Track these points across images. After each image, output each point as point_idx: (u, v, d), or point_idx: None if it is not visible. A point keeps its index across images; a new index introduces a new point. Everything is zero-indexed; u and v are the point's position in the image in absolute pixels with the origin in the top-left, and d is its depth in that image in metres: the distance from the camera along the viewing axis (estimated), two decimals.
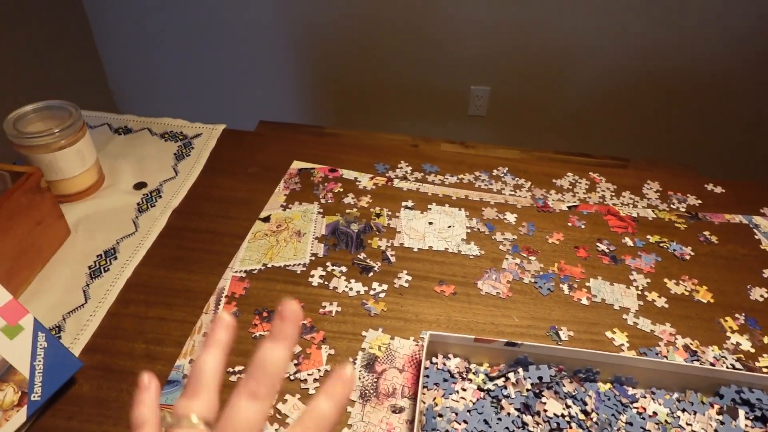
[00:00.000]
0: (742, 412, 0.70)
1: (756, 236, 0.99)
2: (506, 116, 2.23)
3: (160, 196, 1.03)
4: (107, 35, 2.23)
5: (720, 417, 0.70)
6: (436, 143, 1.31)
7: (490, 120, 2.25)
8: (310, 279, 0.88)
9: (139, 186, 1.05)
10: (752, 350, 0.80)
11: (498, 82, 2.14)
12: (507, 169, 1.12)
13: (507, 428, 0.68)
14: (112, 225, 0.97)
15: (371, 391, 0.73)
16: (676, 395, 0.73)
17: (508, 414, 0.69)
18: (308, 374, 0.75)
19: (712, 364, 0.78)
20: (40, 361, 0.69)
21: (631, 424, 0.69)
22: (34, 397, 0.68)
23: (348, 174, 1.08)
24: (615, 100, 2.12)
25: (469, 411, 0.70)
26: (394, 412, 0.71)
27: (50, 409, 0.71)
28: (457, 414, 0.69)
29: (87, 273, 0.89)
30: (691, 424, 0.70)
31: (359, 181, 1.07)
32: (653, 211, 1.03)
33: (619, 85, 2.08)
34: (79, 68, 2.21)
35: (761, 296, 0.88)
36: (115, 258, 0.91)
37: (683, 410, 0.71)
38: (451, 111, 2.24)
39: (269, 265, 0.90)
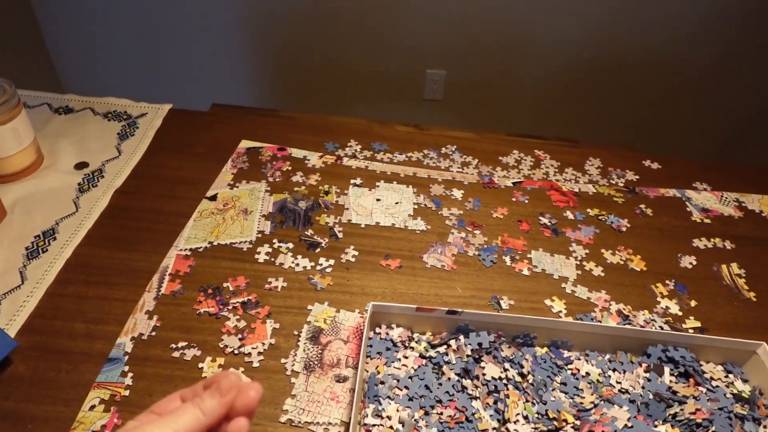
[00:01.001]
0: (667, 369, 0.74)
1: (688, 209, 1.04)
2: (462, 100, 2.25)
3: (103, 176, 1.01)
4: (51, 15, 2.15)
5: (647, 374, 0.74)
6: (390, 125, 1.31)
7: (447, 104, 2.27)
8: (257, 256, 0.88)
9: (80, 166, 1.02)
10: (680, 313, 0.85)
11: (453, 65, 2.17)
12: (455, 147, 1.14)
13: (447, 392, 0.70)
14: (51, 205, 0.94)
15: (315, 362, 0.74)
16: (608, 356, 0.77)
17: (449, 379, 0.71)
18: (252, 348, 0.75)
19: (642, 327, 0.82)
20: None
21: (565, 384, 0.73)
22: None
23: (297, 153, 1.08)
24: (568, 83, 2.17)
25: (410, 377, 0.71)
26: (338, 381, 0.73)
27: None
28: (398, 380, 0.71)
29: (24, 254, 0.86)
30: (620, 382, 0.73)
31: (308, 160, 1.07)
32: (594, 186, 1.07)
33: (571, 68, 2.13)
34: (20, 47, 2.12)
35: (690, 264, 0.93)
36: (54, 239, 0.89)
37: (614, 370, 0.75)
38: (407, 95, 2.25)
39: (215, 243, 0.90)
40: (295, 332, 0.78)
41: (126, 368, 0.72)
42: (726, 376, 0.75)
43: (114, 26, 2.15)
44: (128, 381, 0.71)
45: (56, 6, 2.11)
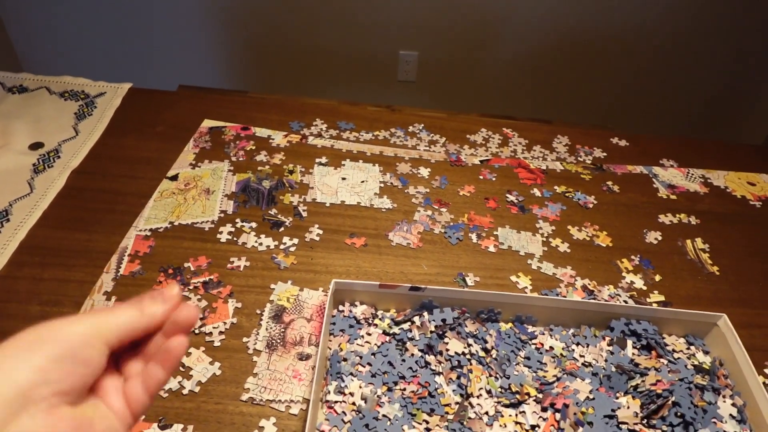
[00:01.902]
0: (629, 342, 0.74)
1: (654, 185, 1.05)
2: (436, 81, 2.24)
3: (59, 157, 0.97)
4: None
5: (610, 348, 0.74)
6: (359, 105, 1.29)
7: (420, 85, 2.25)
8: (219, 236, 0.86)
9: (35, 146, 0.99)
10: (644, 288, 0.85)
11: (426, 46, 2.14)
12: (423, 125, 1.12)
13: (410, 368, 0.69)
14: (4, 186, 0.91)
15: (278, 341, 0.73)
16: (572, 331, 0.77)
17: (412, 355, 0.71)
18: (214, 327, 0.74)
19: (606, 302, 0.82)
20: None
21: (528, 358, 0.72)
22: None
23: (261, 132, 1.06)
24: (541, 62, 2.16)
25: (373, 354, 0.71)
26: (300, 359, 0.71)
27: None
28: (361, 357, 0.70)
29: None
30: (584, 356, 0.73)
31: (272, 139, 1.05)
32: (561, 163, 1.07)
33: (544, 47, 2.12)
34: None
35: (655, 239, 0.93)
36: (8, 220, 0.86)
37: (577, 344, 0.75)
38: (380, 77, 2.23)
39: (176, 223, 0.87)
40: (258, 311, 0.76)
41: None
42: (688, 348, 0.76)
43: (78, 4, 2.08)
44: None
45: None
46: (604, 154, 1.11)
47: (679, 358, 0.74)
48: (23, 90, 1.10)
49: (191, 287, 0.78)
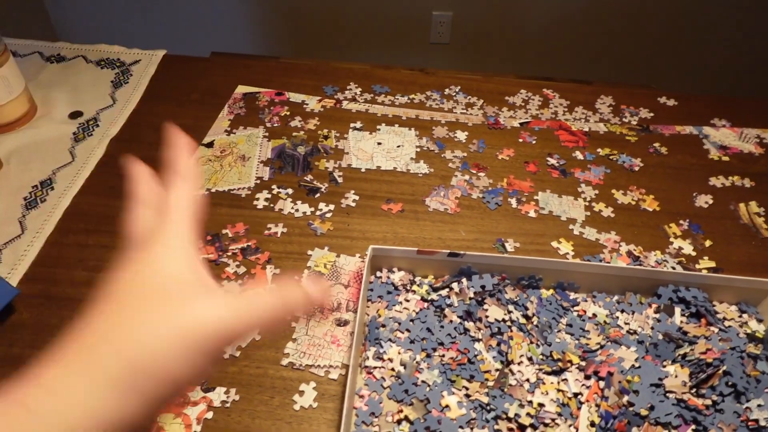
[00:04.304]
0: (678, 310, 0.72)
1: (705, 146, 0.99)
2: (470, 43, 2.17)
3: (98, 125, 0.98)
4: None
5: (657, 315, 0.72)
6: (393, 69, 1.26)
7: (454, 47, 2.19)
8: (255, 202, 0.86)
9: (75, 115, 1.00)
10: (693, 253, 0.82)
11: (460, 6, 2.07)
12: (459, 87, 1.09)
13: (449, 335, 0.69)
14: (47, 155, 0.92)
15: (313, 306, 0.73)
16: (616, 298, 0.74)
17: (451, 321, 0.70)
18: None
19: (653, 268, 0.79)
20: None
21: (570, 325, 0.71)
22: None
23: (295, 97, 1.04)
24: (580, 21, 2.07)
25: (411, 320, 0.70)
26: (338, 325, 0.72)
27: None
28: (399, 323, 0.70)
29: (22, 204, 0.85)
30: (629, 323, 0.71)
31: (307, 104, 1.03)
32: (605, 125, 1.02)
33: (583, 4, 2.03)
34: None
35: (706, 203, 0.89)
36: (52, 188, 0.88)
37: (622, 311, 0.73)
38: (412, 39, 2.17)
39: (213, 190, 0.88)
40: (296, 277, 0.76)
41: None
42: (740, 316, 0.73)
43: None
44: None
45: None
46: (651, 114, 1.05)
47: (730, 326, 0.71)
48: (61, 59, 1.11)
49: (229, 254, 0.79)
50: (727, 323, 0.71)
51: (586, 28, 2.09)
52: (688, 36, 2.10)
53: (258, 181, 0.89)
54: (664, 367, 0.66)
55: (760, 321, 0.72)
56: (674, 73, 2.22)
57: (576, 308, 0.73)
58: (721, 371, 0.64)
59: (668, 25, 2.07)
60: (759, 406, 0.62)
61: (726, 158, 0.97)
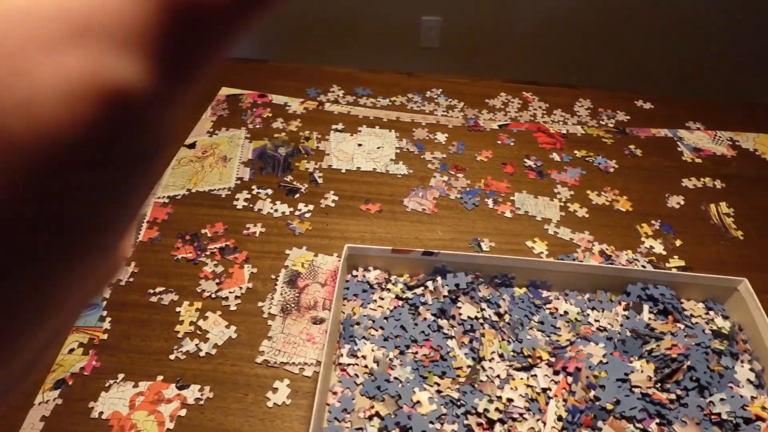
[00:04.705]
0: (646, 307, 0.73)
1: (679, 148, 1.01)
2: (460, 47, 2.19)
3: None
4: None
5: (626, 313, 0.73)
6: (378, 73, 1.27)
7: (443, 52, 2.20)
8: (235, 202, 0.87)
9: None
10: (664, 252, 0.83)
11: (449, 11, 2.09)
12: (441, 90, 1.11)
13: (423, 332, 0.70)
14: None
15: (292, 305, 0.74)
16: (587, 296, 0.76)
17: (425, 319, 0.71)
18: (230, 292, 0.75)
19: (624, 266, 0.81)
20: None
21: (542, 323, 0.72)
22: None
23: (277, 99, 1.06)
24: (566, 25, 2.09)
25: (386, 318, 0.71)
26: (314, 323, 0.73)
27: None
28: (374, 321, 0.71)
29: None
30: (598, 321, 0.73)
31: (289, 106, 1.04)
32: (582, 127, 1.04)
33: (569, 9, 2.05)
34: None
35: (677, 203, 0.91)
36: None
37: (592, 308, 0.74)
38: (402, 43, 2.19)
39: (194, 190, 0.89)
40: (273, 276, 0.78)
41: (104, 313, 0.73)
42: (707, 313, 0.74)
43: None
44: (106, 325, 0.71)
45: None
46: (628, 117, 1.08)
47: (696, 323, 0.72)
48: None
49: (208, 253, 0.80)
50: (693, 320, 0.73)
51: (574, 32, 2.11)
52: (674, 40, 2.13)
53: (238, 182, 0.90)
54: (631, 362, 0.67)
55: (726, 318, 0.74)
56: (660, 77, 2.24)
57: (548, 306, 0.74)
58: (685, 366, 0.65)
59: (655, 29, 2.10)
60: (722, 400, 0.64)
61: (699, 160, 0.99)
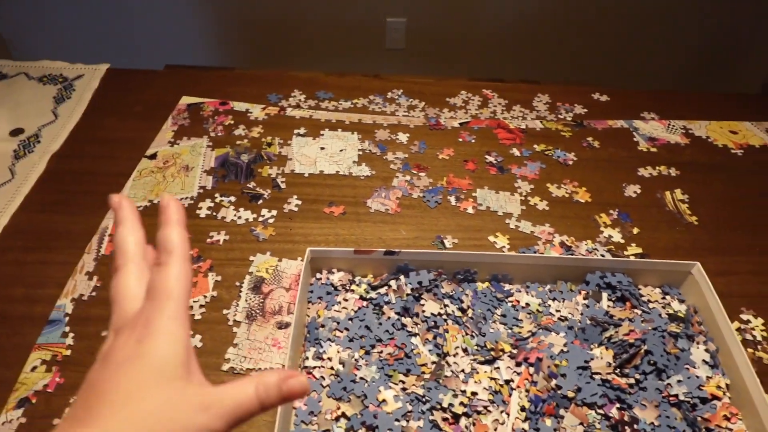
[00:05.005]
0: (605, 295, 0.75)
1: (635, 138, 1.04)
2: (425, 48, 2.20)
3: (39, 142, 0.98)
4: None
5: (586, 302, 0.75)
6: (339, 76, 1.27)
7: (409, 52, 2.22)
8: (198, 211, 0.87)
9: (16, 132, 0.99)
10: (622, 241, 0.85)
11: (414, 12, 2.11)
12: (401, 91, 1.11)
13: (387, 331, 0.71)
14: None
15: (257, 311, 0.74)
16: (548, 287, 0.77)
17: (389, 318, 0.72)
18: (194, 301, 0.75)
19: (582, 257, 0.82)
20: None
21: (504, 315, 0.73)
22: None
23: (239, 106, 1.06)
24: (530, 23, 2.12)
25: (350, 319, 0.72)
26: (279, 328, 0.73)
27: None
28: (338, 323, 0.71)
29: None
30: (560, 311, 0.74)
31: (251, 113, 1.04)
32: (541, 122, 1.06)
33: (530, 7, 2.08)
34: None
35: (634, 192, 0.93)
36: None
37: (553, 299, 0.76)
38: (368, 45, 2.20)
39: (155, 201, 0.88)
40: (237, 283, 0.77)
41: (67, 329, 0.72)
42: (663, 298, 0.76)
43: None
44: (69, 341, 0.70)
45: None
46: (585, 110, 1.10)
47: (653, 308, 0.74)
48: (2, 77, 1.10)
49: None
50: (651, 305, 0.75)
51: (537, 30, 2.15)
52: (628, 34, 2.18)
53: (201, 191, 0.90)
54: (591, 350, 0.69)
55: (682, 301, 0.76)
56: (616, 71, 2.29)
57: (510, 299, 0.76)
58: (642, 350, 0.67)
59: (610, 25, 2.14)
60: (679, 381, 0.66)
61: (654, 149, 1.01)
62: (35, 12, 2.13)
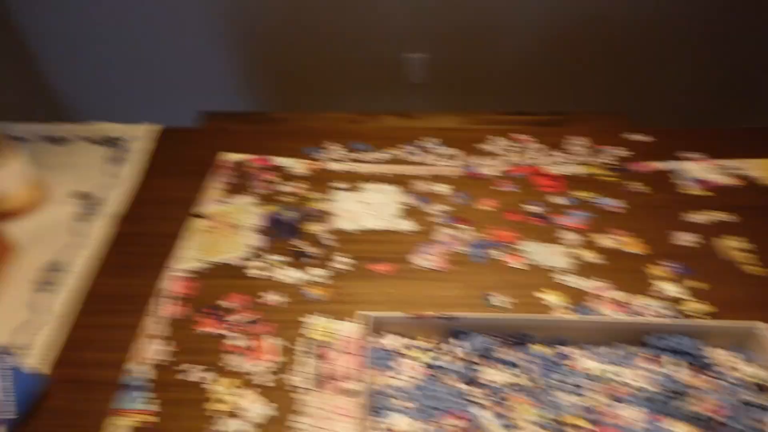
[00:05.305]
0: (668, 359, 0.73)
1: (683, 181, 1.01)
2: (447, 81, 2.22)
3: (100, 204, 1.03)
4: (38, 38, 2.15)
5: (649, 365, 0.73)
6: (378, 118, 1.30)
7: (432, 86, 2.24)
8: (248, 271, 0.89)
9: (79, 196, 1.05)
10: (679, 296, 0.83)
11: (435, 48, 2.14)
12: (438, 140, 1.12)
13: (453, 400, 0.70)
14: (56, 238, 0.97)
15: (319, 377, 0.75)
16: (607, 349, 0.75)
17: (453, 387, 0.72)
18: (253, 366, 0.77)
19: (639, 314, 0.81)
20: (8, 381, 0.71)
21: (568, 383, 0.72)
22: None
23: (280, 161, 1.08)
24: (552, 52, 2.12)
25: (416, 388, 0.72)
26: (342, 394, 0.74)
27: None
28: (403, 392, 0.71)
29: (36, 288, 0.89)
30: (622, 376, 0.72)
31: (292, 168, 1.07)
32: (582, 167, 1.05)
33: (555, 37, 2.08)
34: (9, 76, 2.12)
35: (688, 241, 0.91)
36: (64, 271, 0.91)
37: (614, 363, 0.74)
38: (390, 81, 2.23)
39: (208, 261, 0.91)
40: (295, 346, 0.79)
41: (146, 394, 0.75)
42: (730, 359, 0.73)
43: (101, 48, 2.15)
44: (151, 406, 0.74)
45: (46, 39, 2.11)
46: (626, 152, 1.08)
47: (720, 371, 0.72)
48: (63, 141, 1.17)
49: (225, 326, 0.82)
50: (719, 369, 0.72)
51: (560, 60, 2.14)
52: (661, 65, 2.15)
53: (250, 250, 0.93)
54: (662, 421, 0.67)
55: (749, 362, 0.73)
56: (650, 102, 2.25)
57: (566, 361, 0.74)
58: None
59: (641, 55, 2.12)
60: None
61: (706, 193, 0.99)
62: (82, 72, 2.23)
